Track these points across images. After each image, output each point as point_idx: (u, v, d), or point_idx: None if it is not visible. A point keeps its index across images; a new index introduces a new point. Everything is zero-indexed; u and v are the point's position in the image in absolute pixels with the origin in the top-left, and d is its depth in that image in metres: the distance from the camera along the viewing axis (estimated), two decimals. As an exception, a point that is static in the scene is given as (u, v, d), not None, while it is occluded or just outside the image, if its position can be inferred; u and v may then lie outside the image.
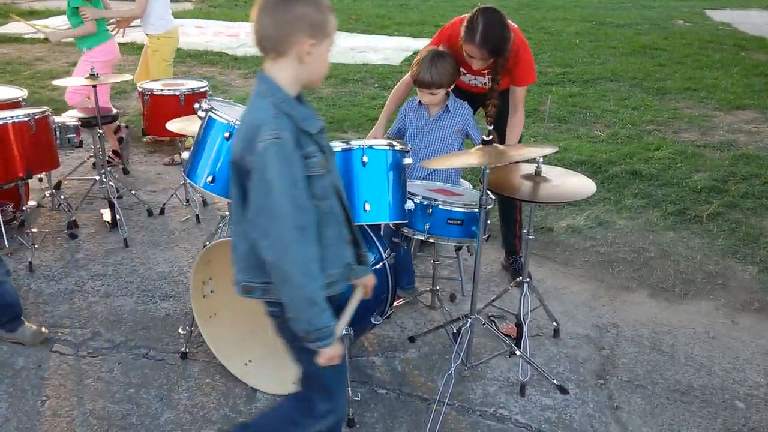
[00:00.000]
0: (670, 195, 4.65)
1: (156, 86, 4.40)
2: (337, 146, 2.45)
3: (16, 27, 10.19)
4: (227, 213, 3.17)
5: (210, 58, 8.81)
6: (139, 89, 4.35)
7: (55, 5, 13.16)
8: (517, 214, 3.59)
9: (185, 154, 2.81)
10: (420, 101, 3.25)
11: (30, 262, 3.70)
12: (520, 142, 3.32)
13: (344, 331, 2.52)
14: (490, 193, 2.67)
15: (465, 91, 3.38)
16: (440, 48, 3.15)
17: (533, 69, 3.28)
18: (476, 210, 2.67)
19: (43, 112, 3.75)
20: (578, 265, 3.86)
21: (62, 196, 4.43)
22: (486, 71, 3.23)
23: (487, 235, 2.78)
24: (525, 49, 3.20)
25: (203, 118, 2.64)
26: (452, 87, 3.21)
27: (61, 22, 11.16)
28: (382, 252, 2.82)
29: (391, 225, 2.91)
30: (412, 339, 3.13)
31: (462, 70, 3.28)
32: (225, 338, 2.94)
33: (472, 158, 2.64)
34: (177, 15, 11.80)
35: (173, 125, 3.52)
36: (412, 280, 3.30)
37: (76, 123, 4.18)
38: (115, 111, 4.77)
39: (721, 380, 2.89)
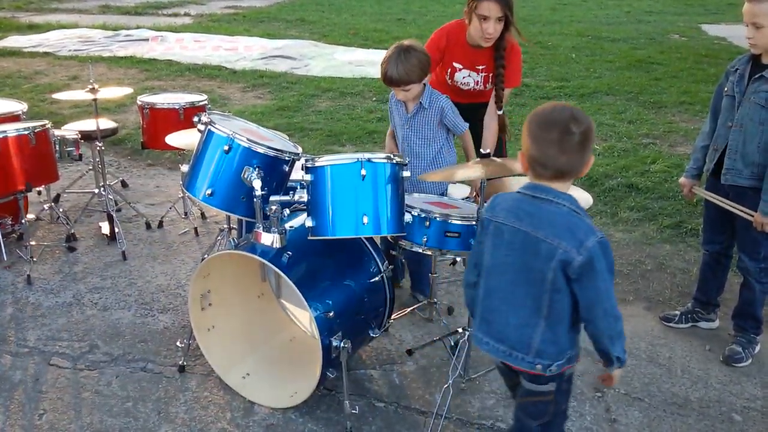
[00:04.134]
0: (666, 208, 4.67)
1: (155, 100, 4.43)
2: (334, 159, 2.48)
3: (15, 41, 10.24)
4: (225, 226, 3.18)
5: (209, 71, 8.85)
6: (139, 103, 4.38)
7: (55, 19, 13.25)
8: None
9: (184, 167, 2.82)
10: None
11: (28, 275, 3.71)
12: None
13: (344, 345, 2.54)
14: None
15: (464, 106, 3.31)
16: (407, 42, 3.08)
17: (520, 72, 3.39)
18: (474, 223, 2.69)
19: (42, 126, 3.77)
20: (575, 277, 3.86)
21: (61, 209, 4.44)
22: (480, 67, 3.32)
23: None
24: (517, 50, 3.31)
25: (202, 131, 2.67)
26: (425, 80, 3.12)
27: (61, 35, 11.28)
28: (380, 265, 2.84)
29: (389, 238, 2.92)
30: (409, 352, 3.14)
31: (457, 65, 3.30)
32: (223, 351, 2.95)
33: (470, 171, 2.66)
34: (176, 29, 12.04)
35: (172, 138, 3.56)
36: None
37: (76, 136, 4.20)
38: (115, 125, 4.79)
39: (718, 393, 2.90)
